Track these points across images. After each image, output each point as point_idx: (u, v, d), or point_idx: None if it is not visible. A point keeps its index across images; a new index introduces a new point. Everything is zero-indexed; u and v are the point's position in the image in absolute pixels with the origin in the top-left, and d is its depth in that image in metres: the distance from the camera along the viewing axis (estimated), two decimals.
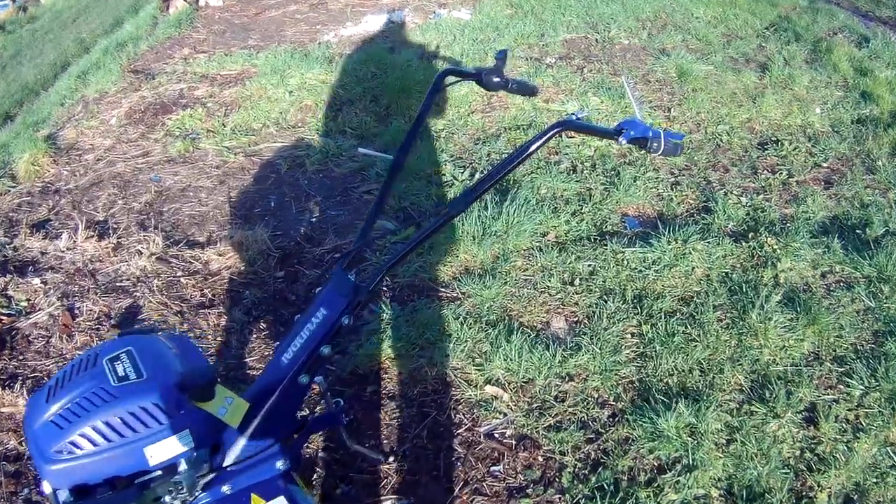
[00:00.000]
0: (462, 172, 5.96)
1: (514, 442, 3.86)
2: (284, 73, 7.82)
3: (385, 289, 4.89)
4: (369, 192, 5.86)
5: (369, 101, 7.31)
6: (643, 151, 3.02)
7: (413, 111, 6.99)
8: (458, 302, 4.71)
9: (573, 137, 6.49)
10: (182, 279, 5.01)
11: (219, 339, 4.55)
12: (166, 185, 6.17)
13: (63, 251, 5.20)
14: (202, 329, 4.62)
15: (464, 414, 4.02)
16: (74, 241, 5.29)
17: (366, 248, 2.76)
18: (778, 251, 5.08)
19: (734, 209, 5.56)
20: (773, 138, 6.68)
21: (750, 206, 5.67)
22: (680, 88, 7.51)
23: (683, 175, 6.08)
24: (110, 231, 5.46)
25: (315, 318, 2.51)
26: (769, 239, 5.18)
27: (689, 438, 3.76)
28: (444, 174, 5.96)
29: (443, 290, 4.85)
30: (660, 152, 2.72)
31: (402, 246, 2.57)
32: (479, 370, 4.20)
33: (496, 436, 3.90)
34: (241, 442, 2.36)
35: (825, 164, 6.29)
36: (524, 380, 4.15)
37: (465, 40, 8.61)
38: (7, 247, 5.25)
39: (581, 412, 3.99)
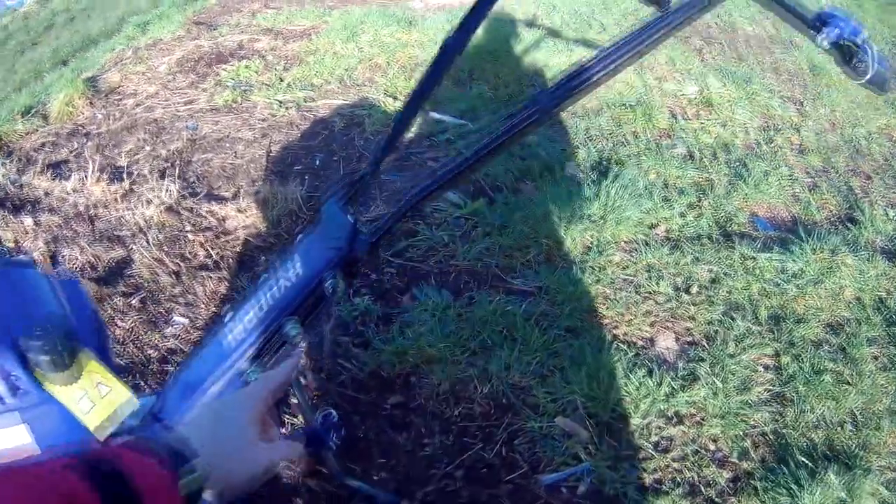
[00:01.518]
0: (553, 145, 4.66)
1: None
2: (357, 28, 6.73)
3: (435, 271, 3.62)
4: (435, 159, 4.63)
5: (423, 101, 6.04)
6: (839, 68, 1.83)
7: (499, 77, 5.76)
8: (531, 299, 3.43)
9: (690, 120, 5.18)
10: (189, 235, 3.99)
11: (211, 309, 3.50)
12: (202, 134, 5.19)
13: (68, 193, 4.36)
14: (195, 294, 3.58)
15: (521, 452, 2.77)
16: (83, 184, 4.44)
17: (372, 180, 1.62)
18: None
19: (882, 223, 4.27)
20: None
21: None
22: (813, 83, 6.21)
23: (821, 177, 4.79)
24: (125, 176, 4.54)
25: (283, 275, 1.60)
26: None
27: None
28: (530, 146, 4.67)
29: (512, 281, 3.56)
30: (866, 77, 1.72)
31: (430, 179, 1.58)
32: (549, 394, 2.94)
33: (564, 490, 2.64)
34: None
35: None
36: (613, 415, 2.87)
37: (566, 11, 7.32)
38: (14, 184, 4.48)
39: (691, 470, 2.73)
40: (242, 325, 1.57)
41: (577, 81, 1.48)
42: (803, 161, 4.90)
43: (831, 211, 4.41)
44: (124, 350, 3.21)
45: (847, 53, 1.73)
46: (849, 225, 4.21)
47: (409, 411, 2.89)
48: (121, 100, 5.83)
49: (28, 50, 9.40)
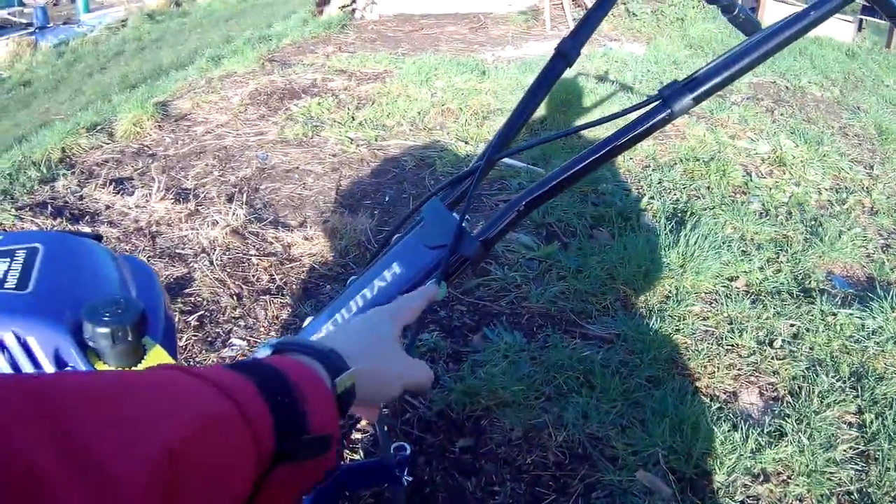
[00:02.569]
0: (626, 194, 4.41)
1: None
2: (430, 73, 6.57)
3: (507, 312, 3.36)
4: (506, 201, 4.35)
5: (531, 112, 5.83)
6: None
7: (572, 126, 5.49)
8: (609, 345, 3.16)
9: (764, 178, 4.92)
10: (253, 259, 3.78)
11: (271, 333, 3.27)
12: (271, 164, 5.03)
13: (130, 208, 4.21)
14: (255, 318, 3.35)
15: None
16: (147, 200, 4.30)
17: (482, 179, 1.39)
18: None
19: None
20: None
21: None
22: (881, 147, 5.99)
23: (893, 238, 4.51)
24: (191, 197, 4.39)
25: (380, 278, 1.36)
26: None
27: None
28: (604, 194, 4.42)
29: (588, 326, 3.29)
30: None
31: (543, 180, 1.35)
32: (629, 445, 2.65)
33: None
34: None
35: None
36: (697, 470, 2.57)
37: (638, 69, 7.13)
38: (74, 194, 4.32)
39: None
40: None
41: (714, 71, 1.25)
42: (875, 222, 4.63)
43: None
44: None
45: None
46: None
47: (478, 456, 2.62)
48: (190, 126, 5.71)
49: (96, 73, 9.39)
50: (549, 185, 1.33)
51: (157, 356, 1.19)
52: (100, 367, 1.15)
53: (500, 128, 1.48)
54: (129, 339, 1.12)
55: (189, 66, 7.89)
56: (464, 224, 1.32)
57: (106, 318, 1.11)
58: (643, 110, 1.28)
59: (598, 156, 1.31)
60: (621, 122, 1.30)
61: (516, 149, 1.48)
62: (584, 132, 5.10)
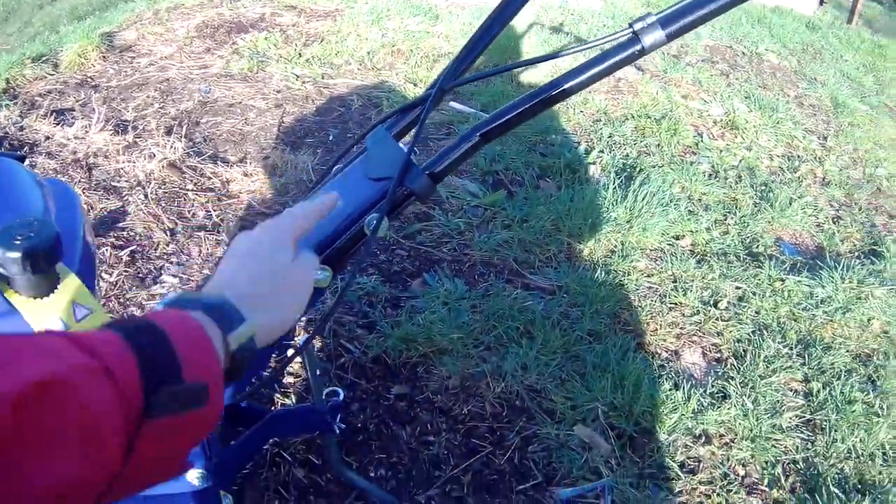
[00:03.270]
0: (576, 146, 4.32)
1: None
2: (382, 14, 6.38)
3: (448, 258, 3.25)
4: None
5: (484, 46, 5.72)
6: None
7: (522, 77, 5.38)
8: (551, 297, 3.08)
9: (715, 140, 4.88)
10: (190, 194, 3.63)
11: (205, 271, 3.13)
12: (214, 98, 4.82)
13: (69, 139, 4.02)
14: (189, 255, 3.22)
15: (535, 461, 2.41)
16: (86, 132, 4.11)
17: (433, 108, 1.27)
18: None
19: None
20: None
21: None
22: (835, 119, 5.99)
23: (844, 210, 4.53)
24: (130, 129, 4.20)
25: None
26: None
27: None
28: (553, 145, 4.33)
29: (531, 277, 3.21)
30: None
31: (501, 110, 1.28)
32: (568, 399, 2.59)
33: None
34: None
35: None
36: (637, 428, 2.51)
37: (594, 23, 7.01)
38: (14, 125, 4.14)
39: (719, 495, 2.39)
40: None
41: (689, 7, 1.18)
42: (826, 193, 4.62)
43: (854, 244, 4.14)
44: (106, 305, 2.83)
45: None
46: (873, 259, 3.93)
47: (414, 404, 2.53)
48: (135, 58, 5.46)
49: (47, 5, 9.11)
50: (508, 115, 1.25)
51: (71, 285, 1.07)
52: (10, 295, 1.04)
53: (455, 57, 1.38)
54: (41, 265, 1.00)
55: None
56: (411, 157, 1.22)
57: (17, 242, 0.98)
58: (613, 43, 1.20)
59: (562, 88, 1.23)
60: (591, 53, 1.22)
61: (472, 77, 1.38)
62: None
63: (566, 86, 1.23)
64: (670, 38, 1.17)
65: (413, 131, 1.32)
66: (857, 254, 4.01)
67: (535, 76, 5.32)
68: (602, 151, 4.33)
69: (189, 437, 0.68)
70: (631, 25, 1.16)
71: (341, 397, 1.82)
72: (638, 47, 1.16)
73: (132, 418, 0.60)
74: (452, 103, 4.79)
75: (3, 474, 0.50)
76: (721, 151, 4.76)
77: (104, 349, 0.60)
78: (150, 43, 5.74)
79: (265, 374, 2.11)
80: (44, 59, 5.16)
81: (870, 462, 2.62)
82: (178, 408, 0.64)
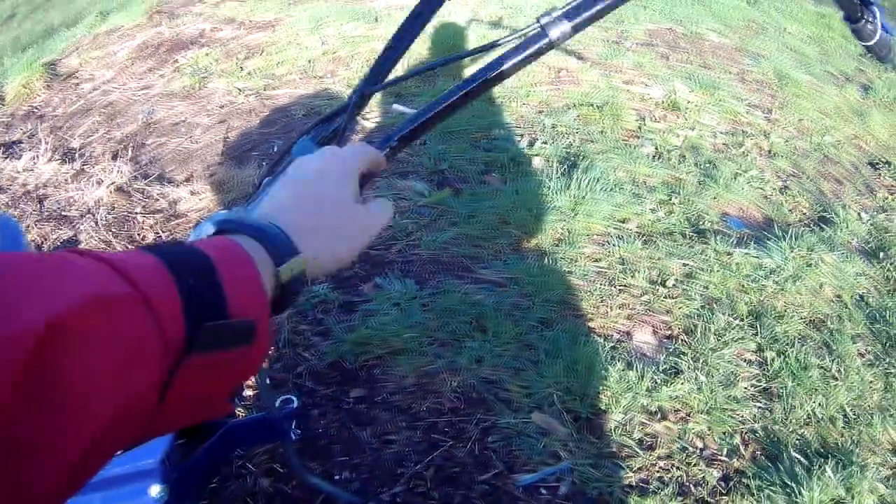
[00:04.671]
0: (519, 139, 4.37)
1: None
2: (321, 21, 6.40)
3: (398, 259, 3.30)
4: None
5: (413, 59, 5.75)
6: (847, 25, 1.64)
7: (463, 73, 5.42)
8: (502, 289, 3.13)
9: (657, 122, 4.94)
10: (139, 217, 3.67)
11: None
12: (157, 119, 4.86)
13: (19, 172, 4.13)
14: None
15: (495, 451, 2.46)
16: (34, 163, 4.20)
17: (355, 117, 1.31)
18: None
19: (857, 225, 4.11)
20: (884, 159, 5.25)
21: (871, 224, 4.20)
22: (780, 92, 6.03)
23: (791, 180, 4.58)
24: (77, 157, 4.29)
25: None
26: None
27: None
28: (496, 139, 4.37)
29: (481, 271, 3.25)
30: (872, 40, 1.56)
31: (426, 106, 1.24)
32: (524, 388, 2.64)
33: (543, 492, 2.33)
34: None
35: None
36: (593, 410, 2.58)
37: (533, 16, 7.01)
38: None
39: (679, 469, 2.45)
40: None
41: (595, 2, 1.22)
42: (773, 165, 4.68)
43: (803, 213, 4.20)
44: None
45: (856, 10, 1.56)
46: (822, 226, 4.00)
47: (373, 405, 2.58)
48: (78, 84, 5.52)
49: None
50: (419, 119, 1.27)
51: None
52: None
53: (375, 61, 1.42)
54: None
55: (79, 23, 7.64)
56: None
57: None
58: (522, 38, 1.24)
59: (473, 86, 1.26)
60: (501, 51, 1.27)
61: (392, 81, 1.41)
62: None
63: (479, 82, 1.26)
64: (576, 29, 1.21)
65: (337, 138, 1.36)
66: (806, 222, 4.07)
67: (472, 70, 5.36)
68: (545, 142, 4.38)
69: (232, 376, 0.66)
70: (538, 20, 1.21)
71: (295, 404, 1.86)
72: (546, 41, 1.20)
73: (171, 353, 0.58)
74: (396, 105, 4.83)
75: (38, 416, 0.47)
76: (664, 133, 4.82)
77: (143, 276, 0.57)
78: (93, 68, 5.76)
79: None
80: None
81: (831, 425, 2.68)
82: (221, 345, 0.62)
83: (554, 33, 1.20)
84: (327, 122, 1.41)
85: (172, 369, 0.58)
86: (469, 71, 5.26)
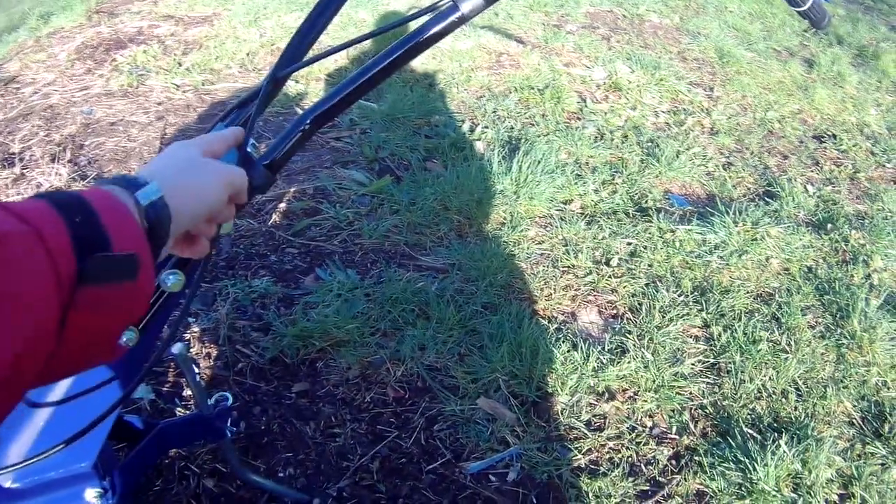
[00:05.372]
0: (460, 125, 4.31)
1: (520, 491, 2.24)
2: (259, 13, 6.32)
3: (339, 250, 3.22)
4: (338, 139, 4.23)
5: (354, 48, 5.67)
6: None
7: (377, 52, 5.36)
8: (444, 275, 3.07)
9: (599, 103, 4.90)
10: None
11: None
12: (96, 118, 4.73)
13: None
14: None
15: (442, 439, 2.41)
16: None
17: (266, 102, 1.27)
18: (867, 247, 3.67)
19: (802, 197, 4.10)
20: (829, 132, 5.27)
21: (818, 196, 4.21)
22: (722, 70, 6.05)
23: (735, 156, 4.59)
24: (17, 162, 4.17)
25: None
26: (853, 232, 3.78)
27: (794, 495, 2.31)
28: (438, 126, 4.31)
29: (423, 258, 3.19)
30: (805, 6, 1.56)
31: (332, 91, 1.26)
32: (469, 374, 2.59)
33: (492, 478, 2.29)
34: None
35: (889, 165, 4.91)
36: (539, 393, 2.53)
37: None
38: None
39: (628, 449, 2.43)
40: None
41: None
42: (716, 142, 4.68)
43: (748, 188, 4.20)
44: None
45: None
46: (768, 200, 4.01)
47: (316, 399, 2.50)
48: (19, 88, 5.36)
49: None
50: (335, 98, 1.24)
51: None
52: None
53: (288, 43, 1.37)
54: None
55: (21, 27, 7.49)
56: (250, 149, 1.21)
57: None
58: (434, 13, 1.21)
59: (387, 63, 1.23)
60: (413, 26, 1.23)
61: (305, 62, 1.36)
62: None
63: (391, 59, 1.22)
64: (489, 2, 1.19)
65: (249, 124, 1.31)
66: (751, 197, 4.07)
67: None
68: (487, 127, 4.33)
69: (123, 311, 0.68)
70: None
71: (229, 401, 1.79)
72: (458, 14, 1.18)
73: (65, 286, 0.61)
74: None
75: None
76: (606, 114, 4.79)
77: (35, 215, 0.60)
78: (34, 71, 5.61)
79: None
80: None
81: (783, 399, 2.67)
82: (111, 276, 0.65)
83: (466, 7, 1.18)
84: (241, 108, 1.37)
85: (67, 302, 0.61)
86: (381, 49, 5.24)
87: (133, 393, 2.14)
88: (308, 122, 1.24)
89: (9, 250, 0.56)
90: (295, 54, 1.39)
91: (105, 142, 4.38)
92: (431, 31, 1.20)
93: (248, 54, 5.54)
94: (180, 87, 5.08)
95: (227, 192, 0.96)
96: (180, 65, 5.44)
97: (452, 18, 1.19)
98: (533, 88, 4.99)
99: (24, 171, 4.02)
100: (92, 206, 0.67)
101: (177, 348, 1.61)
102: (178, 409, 2.44)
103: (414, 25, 1.23)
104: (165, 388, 2.50)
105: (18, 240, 0.57)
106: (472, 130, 4.26)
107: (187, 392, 2.50)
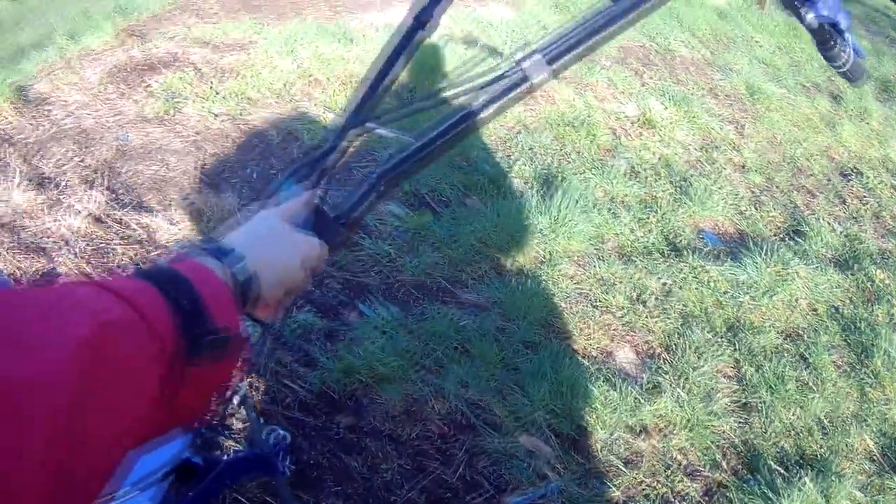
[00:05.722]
0: (497, 160, 4.46)
1: None
2: (295, 43, 6.41)
3: (380, 285, 3.36)
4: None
5: (390, 80, 5.81)
6: (819, 52, 1.66)
7: (441, 94, 5.48)
8: (485, 312, 3.20)
9: (632, 139, 5.03)
10: (117, 247, 3.66)
11: None
12: (132, 145, 4.82)
13: None
14: None
15: (484, 473, 2.53)
16: (8, 192, 4.09)
17: (337, 156, 1.37)
18: (891, 286, 3.82)
19: (830, 236, 4.23)
20: (855, 169, 5.40)
21: (844, 234, 4.34)
22: (752, 106, 6.17)
23: (765, 194, 4.72)
24: (52, 186, 4.21)
25: None
26: (877, 272, 3.92)
27: None
28: (475, 160, 4.44)
29: (464, 294, 3.33)
30: (843, 63, 1.59)
31: (408, 150, 1.36)
32: (510, 411, 2.72)
33: None
34: None
35: None
36: (578, 430, 2.65)
37: (506, 32, 7.11)
38: None
39: (663, 484, 2.56)
40: None
41: (574, 42, 1.28)
42: (746, 179, 4.81)
43: (777, 226, 4.32)
44: None
45: (829, 38, 1.60)
46: (796, 238, 4.14)
47: (361, 434, 2.63)
48: (50, 110, 5.41)
49: None
50: (408, 161, 1.30)
51: None
52: None
53: (357, 100, 1.46)
54: None
55: (49, 45, 7.61)
56: (325, 208, 1.28)
57: None
58: (503, 82, 1.28)
59: (457, 131, 1.30)
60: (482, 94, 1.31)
61: (373, 126, 1.46)
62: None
63: (461, 127, 1.31)
64: (556, 74, 1.27)
65: (322, 181, 1.39)
66: (780, 235, 4.20)
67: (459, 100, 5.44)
68: (523, 163, 4.46)
69: (223, 380, 0.76)
70: (518, 63, 1.27)
71: (287, 439, 1.91)
72: (527, 85, 1.25)
73: (171, 366, 0.66)
74: (371, 125, 4.87)
75: (72, 431, 0.53)
76: (639, 150, 4.92)
77: (141, 299, 0.65)
78: (65, 93, 5.69)
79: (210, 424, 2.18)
80: None
81: (808, 436, 2.79)
82: (213, 353, 0.71)
83: (536, 79, 1.26)
84: (310, 159, 1.44)
85: (174, 379, 0.67)
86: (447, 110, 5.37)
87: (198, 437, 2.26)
88: (382, 184, 1.33)
89: (118, 337, 0.60)
90: (363, 109, 1.48)
91: (142, 169, 4.48)
92: (501, 101, 1.28)
93: (284, 84, 5.67)
94: (217, 115, 5.19)
95: (306, 265, 1.04)
96: (216, 92, 5.55)
97: (523, 88, 1.26)
98: (567, 124, 5.12)
99: (60, 196, 4.08)
100: (193, 285, 0.72)
101: (242, 387, 1.72)
102: (229, 442, 2.56)
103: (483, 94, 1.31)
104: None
105: (127, 327, 0.62)
106: (509, 166, 4.40)
107: (237, 426, 2.62)
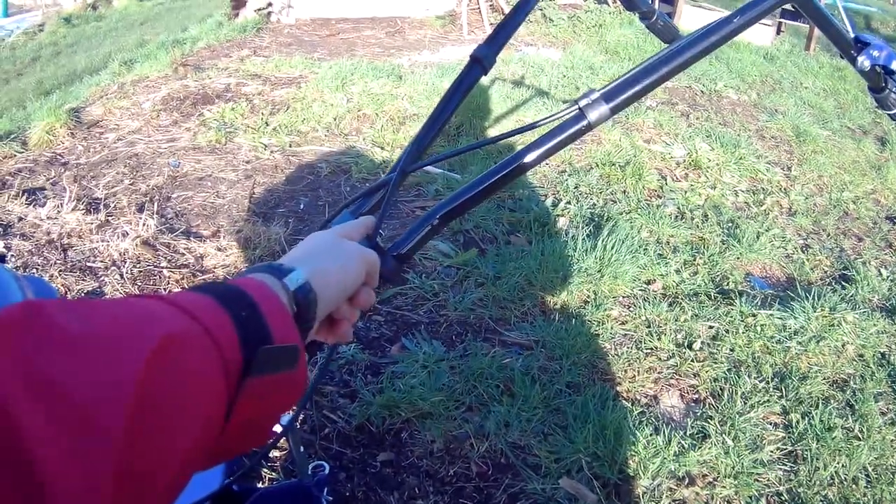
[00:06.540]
0: (543, 200, 4.39)
1: None
2: (346, 79, 6.45)
3: (425, 321, 3.30)
4: (423, 209, 4.32)
5: (447, 118, 5.80)
6: (870, 96, 1.75)
7: (487, 132, 5.46)
8: (529, 352, 3.13)
9: (679, 181, 4.95)
10: (165, 271, 3.65)
11: None
12: (183, 172, 4.87)
13: (42, 220, 4.04)
14: None
15: None
16: (59, 212, 4.12)
17: (396, 191, 1.33)
18: None
19: (877, 282, 4.13)
20: None
21: (891, 280, 4.22)
22: (799, 148, 6.10)
23: (812, 238, 4.64)
24: (102, 208, 4.25)
25: None
26: None
27: None
28: (521, 199, 4.40)
29: (508, 333, 3.26)
30: (892, 104, 1.66)
31: (461, 189, 1.29)
32: (552, 453, 2.63)
33: None
34: None
35: None
36: (621, 475, 2.56)
37: (555, 75, 7.10)
38: None
39: None
40: None
41: (631, 80, 1.23)
42: (794, 223, 4.72)
43: (825, 271, 4.23)
44: None
45: (880, 80, 1.64)
46: (844, 284, 4.05)
47: (400, 469, 2.57)
48: (102, 133, 5.53)
49: (13, 80, 9.18)
50: (463, 197, 1.28)
51: None
52: None
53: (414, 137, 1.42)
54: None
55: (103, 70, 7.69)
56: (378, 238, 1.27)
57: None
58: (560, 120, 1.24)
59: (513, 167, 1.26)
60: (538, 132, 1.27)
61: (430, 160, 1.42)
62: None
63: (517, 164, 1.26)
64: (614, 111, 1.21)
65: (379, 214, 1.36)
66: (828, 280, 4.10)
67: (506, 142, 5.41)
68: (569, 202, 4.42)
69: (281, 399, 0.73)
70: (576, 102, 1.22)
71: (327, 471, 1.85)
72: (584, 123, 1.20)
73: (232, 380, 0.64)
74: (430, 168, 4.85)
75: (145, 445, 0.52)
76: (686, 192, 4.86)
77: (202, 311, 0.64)
78: (117, 117, 5.79)
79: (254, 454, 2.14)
80: (12, 136, 5.20)
81: (853, 486, 2.68)
82: (274, 367, 0.69)
83: (593, 116, 1.20)
84: (367, 196, 1.42)
85: (235, 391, 0.64)
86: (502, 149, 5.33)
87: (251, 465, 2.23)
88: (436, 218, 1.29)
89: (181, 349, 0.58)
90: (421, 146, 1.44)
91: (192, 196, 4.51)
92: (558, 139, 1.23)
93: (334, 119, 5.70)
94: (268, 146, 5.23)
95: (364, 269, 1.00)
96: (267, 124, 5.60)
97: (580, 126, 1.21)
98: (614, 164, 5.07)
99: (109, 217, 4.11)
100: (253, 299, 0.71)
101: (283, 418, 1.67)
102: (265, 471, 2.51)
103: (539, 131, 1.28)
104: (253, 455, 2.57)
105: (190, 338, 0.60)
106: (554, 205, 4.35)
107: (275, 454, 2.57)
